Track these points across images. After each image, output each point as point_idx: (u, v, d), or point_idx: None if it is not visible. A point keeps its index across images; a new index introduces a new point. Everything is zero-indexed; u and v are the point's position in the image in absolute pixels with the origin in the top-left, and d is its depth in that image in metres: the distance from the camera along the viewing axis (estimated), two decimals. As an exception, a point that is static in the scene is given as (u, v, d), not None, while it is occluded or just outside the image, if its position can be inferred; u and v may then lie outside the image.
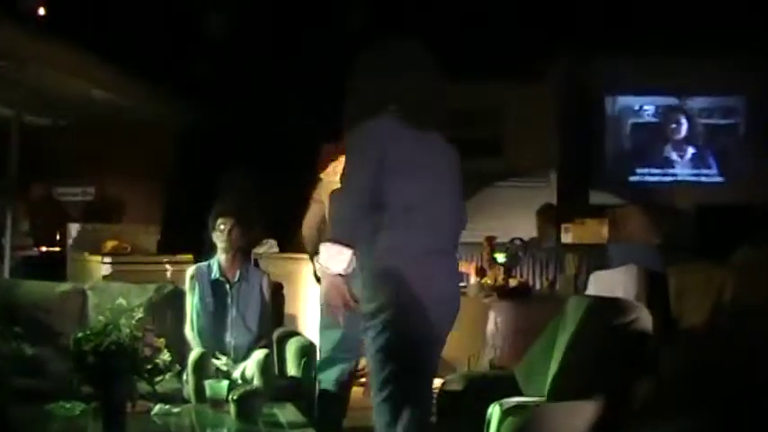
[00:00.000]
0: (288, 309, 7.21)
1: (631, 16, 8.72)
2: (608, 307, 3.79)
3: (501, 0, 8.35)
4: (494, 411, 3.46)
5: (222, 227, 4.98)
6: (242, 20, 8.04)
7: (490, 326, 5.89)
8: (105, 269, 6.60)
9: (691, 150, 10.44)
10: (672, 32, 8.87)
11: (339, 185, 3.29)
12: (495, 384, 4.12)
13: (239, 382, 4.55)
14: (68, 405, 3.84)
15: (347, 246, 3.09)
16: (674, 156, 10.46)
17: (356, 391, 6.74)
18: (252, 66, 8.55)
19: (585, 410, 3.36)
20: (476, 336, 5.98)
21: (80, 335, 3.48)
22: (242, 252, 5.20)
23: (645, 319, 3.59)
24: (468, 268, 7.51)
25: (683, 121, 10.43)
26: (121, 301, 3.71)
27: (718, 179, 10.29)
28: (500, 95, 9.18)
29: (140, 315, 3.62)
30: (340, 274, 3.14)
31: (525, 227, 8.53)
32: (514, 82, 8.97)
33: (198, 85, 8.35)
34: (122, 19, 7.27)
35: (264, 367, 4.55)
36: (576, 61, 9.51)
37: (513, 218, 8.85)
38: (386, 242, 3.21)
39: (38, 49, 6.61)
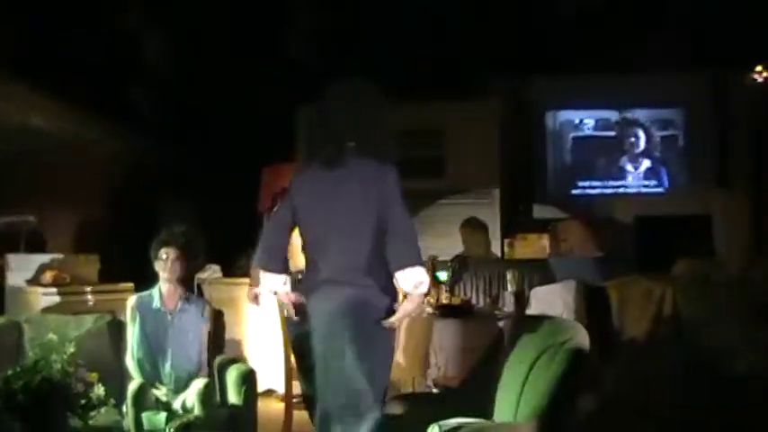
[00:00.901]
0: (230, 334, 7.18)
1: (570, 34, 8.84)
2: (544, 327, 3.81)
3: (441, 22, 8.41)
4: (432, 434, 3.45)
5: (164, 256, 4.95)
6: (186, 50, 8.02)
7: (433, 345, 5.89)
8: (45, 300, 6.50)
9: (646, 163, 10.57)
10: (610, 48, 9.00)
11: None
12: (437, 405, 4.11)
13: (180, 412, 4.51)
14: (1, 443, 3.77)
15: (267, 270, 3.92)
16: (629, 167, 10.59)
17: (300, 414, 6.73)
18: (192, 94, 8.53)
19: (524, 431, 3.37)
20: (419, 356, 5.98)
21: (10, 372, 3.45)
22: (184, 281, 5.16)
23: (580, 337, 3.60)
24: (411, 288, 7.51)
25: (641, 134, 10.57)
26: (52, 336, 3.65)
27: (658, 190, 10.42)
28: (442, 115, 9.23)
29: (72, 350, 3.57)
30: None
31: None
32: (456, 101, 9.02)
33: (138, 114, 8.30)
34: (63, 47, 7.19)
35: (205, 397, 4.51)
36: (516, 79, 9.61)
37: (456, 236, 8.88)
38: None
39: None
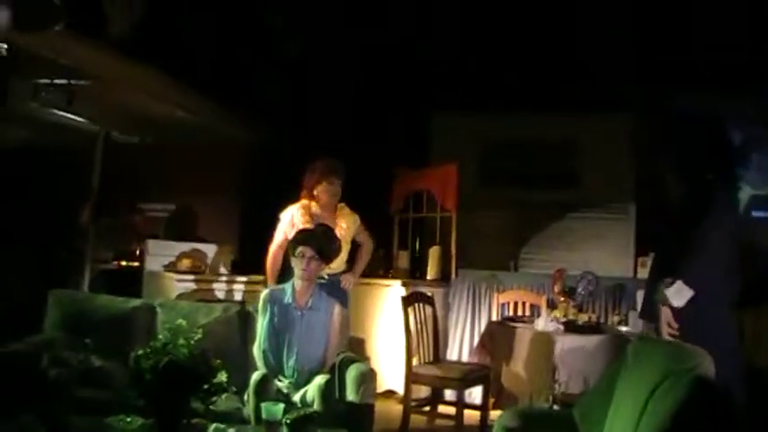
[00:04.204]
0: (355, 333, 7.30)
1: (705, 46, 8.50)
2: (669, 351, 3.70)
3: (577, 36, 8.26)
4: (544, 448, 3.41)
5: (302, 255, 5.02)
6: (318, 44, 8.15)
7: (555, 361, 5.83)
8: (179, 286, 6.75)
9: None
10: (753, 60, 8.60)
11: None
12: (552, 421, 4.06)
13: (299, 405, 4.59)
14: (128, 419, 3.92)
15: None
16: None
17: (418, 418, 6.77)
18: (326, 93, 8.66)
19: (639, 455, 3.28)
20: (541, 370, 5.92)
21: (140, 352, 3.59)
22: (318, 278, 5.26)
23: (707, 364, 3.47)
24: (538, 300, 7.46)
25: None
26: (181, 321, 3.78)
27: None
28: (576, 127, 9.07)
29: (199, 336, 3.69)
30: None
31: (599, 259, 8.41)
32: (590, 113, 8.86)
33: (276, 108, 8.48)
34: (203, 43, 7.42)
35: (324, 392, 4.57)
36: (654, 92, 9.33)
37: (587, 250, 8.74)
38: None
39: (123, 71, 6.78)
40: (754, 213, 9.06)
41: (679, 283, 4.07)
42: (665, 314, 4.14)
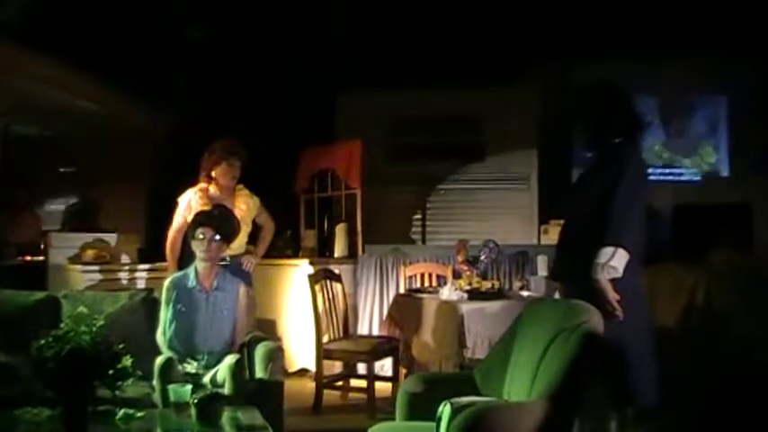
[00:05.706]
0: (265, 314, 7.37)
1: (610, 20, 8.70)
2: (561, 309, 3.86)
3: (483, 10, 8.39)
4: (444, 410, 3.52)
5: (201, 236, 5.05)
6: (223, 31, 8.12)
7: (461, 328, 5.96)
8: (85, 278, 6.70)
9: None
10: (654, 33, 8.84)
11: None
12: (455, 385, 4.18)
13: (210, 386, 4.63)
14: (35, 410, 3.91)
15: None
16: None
17: (332, 394, 6.87)
18: (233, 76, 8.64)
19: (535, 410, 3.43)
20: (449, 338, 6.06)
21: (42, 342, 3.58)
22: (220, 261, 5.29)
23: (595, 320, 3.64)
24: (445, 271, 7.61)
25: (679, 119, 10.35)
26: (82, 308, 3.78)
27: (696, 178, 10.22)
28: (481, 100, 9.22)
29: (102, 322, 3.69)
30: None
31: (503, 228, 8.60)
32: (497, 87, 9.01)
33: (179, 93, 8.42)
34: (103, 30, 7.32)
35: (234, 372, 4.61)
36: (556, 66, 9.54)
37: (493, 220, 8.92)
38: None
39: (14, 59, 6.66)
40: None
41: (620, 251, 3.93)
42: (609, 287, 3.96)
